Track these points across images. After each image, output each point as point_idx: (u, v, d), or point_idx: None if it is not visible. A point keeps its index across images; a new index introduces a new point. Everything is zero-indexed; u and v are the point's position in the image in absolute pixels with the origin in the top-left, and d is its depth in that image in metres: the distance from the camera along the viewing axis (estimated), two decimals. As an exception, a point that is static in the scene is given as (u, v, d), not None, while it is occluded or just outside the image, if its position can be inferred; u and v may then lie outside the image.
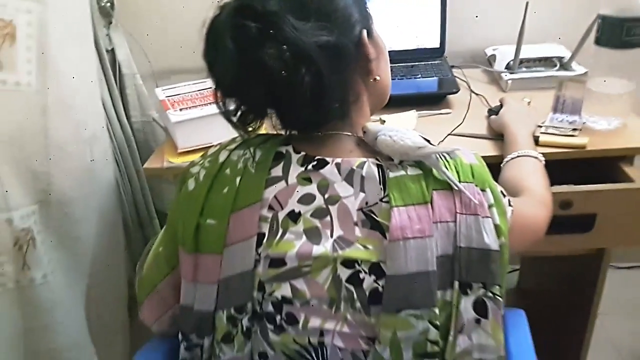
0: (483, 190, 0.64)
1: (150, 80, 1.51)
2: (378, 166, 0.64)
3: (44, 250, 0.98)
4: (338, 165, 0.64)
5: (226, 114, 0.65)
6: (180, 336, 0.72)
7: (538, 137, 1.02)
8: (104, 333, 1.15)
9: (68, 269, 1.05)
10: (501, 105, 1.10)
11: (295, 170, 0.65)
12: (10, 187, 0.90)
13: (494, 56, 1.39)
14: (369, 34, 0.68)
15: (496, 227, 0.63)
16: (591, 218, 0.98)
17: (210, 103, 1.11)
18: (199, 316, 0.68)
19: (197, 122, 1.05)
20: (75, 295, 1.07)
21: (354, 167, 0.64)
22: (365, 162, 0.64)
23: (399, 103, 1.16)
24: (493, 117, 1.09)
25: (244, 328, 0.66)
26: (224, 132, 1.07)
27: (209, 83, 1.30)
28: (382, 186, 0.63)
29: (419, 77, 1.32)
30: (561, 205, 0.96)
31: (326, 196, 0.63)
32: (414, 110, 1.18)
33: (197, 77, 1.37)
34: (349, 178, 0.63)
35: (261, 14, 0.57)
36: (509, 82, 1.28)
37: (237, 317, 0.66)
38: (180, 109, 1.08)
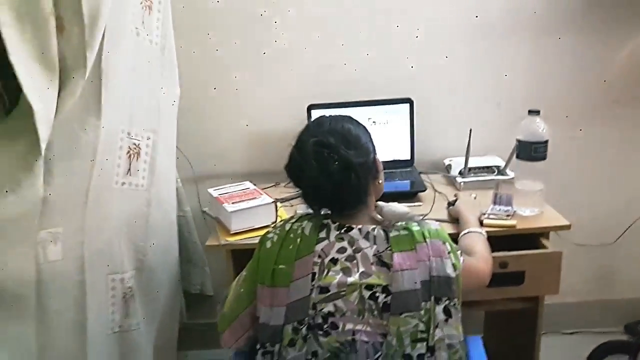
0: (444, 243, 1.08)
1: (191, 183, 1.94)
2: (383, 230, 1.08)
3: (138, 304, 1.35)
4: (360, 230, 1.08)
5: (306, 202, 1.09)
6: (258, 346, 1.10)
7: (482, 220, 1.49)
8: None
9: (147, 321, 1.41)
10: (456, 199, 1.57)
11: (334, 233, 1.09)
12: (124, 256, 1.30)
13: (450, 165, 1.90)
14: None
15: (453, 264, 1.06)
16: (522, 274, 1.43)
17: (252, 198, 1.55)
18: (273, 329, 1.07)
19: (246, 211, 1.48)
20: (149, 342, 1.42)
21: (369, 231, 1.08)
22: (375, 227, 1.09)
23: (385, 198, 1.62)
24: (451, 207, 1.56)
25: (303, 335, 1.05)
26: (262, 219, 1.50)
27: (247, 184, 1.74)
28: (386, 241, 1.06)
29: (397, 180, 1.80)
30: (500, 265, 1.40)
31: (353, 248, 1.07)
32: (397, 202, 1.64)
33: (226, 181, 1.81)
34: (367, 237, 1.07)
35: (328, 145, 1.03)
36: (462, 184, 1.78)
37: (298, 327, 1.06)
38: (232, 203, 1.52)
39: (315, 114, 1.79)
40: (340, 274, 1.05)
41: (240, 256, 1.44)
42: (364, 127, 1.16)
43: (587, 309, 2.18)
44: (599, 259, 2.11)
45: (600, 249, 2.06)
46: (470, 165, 1.80)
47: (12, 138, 1.04)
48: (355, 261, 1.06)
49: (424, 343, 1.02)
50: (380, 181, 1.17)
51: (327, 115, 1.15)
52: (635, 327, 2.15)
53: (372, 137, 1.15)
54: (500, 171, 1.82)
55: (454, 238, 1.32)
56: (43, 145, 1.02)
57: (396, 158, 1.89)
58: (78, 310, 1.22)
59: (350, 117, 1.15)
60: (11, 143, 1.03)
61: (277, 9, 1.80)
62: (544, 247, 1.47)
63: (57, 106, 1.05)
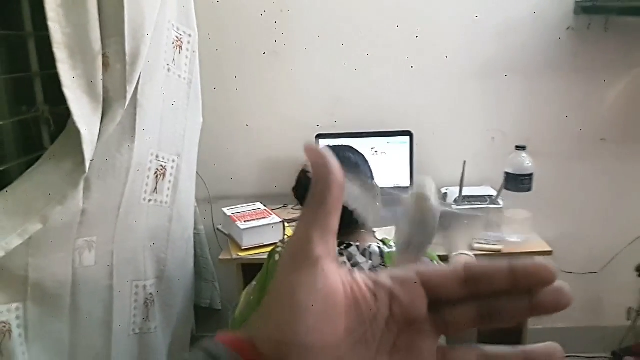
0: (432, 261, 1.23)
1: (205, 203, 2.10)
2: (378, 247, 1.23)
3: (156, 309, 1.49)
4: (358, 247, 1.23)
5: None
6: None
7: (472, 245, 1.63)
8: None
9: (163, 326, 1.55)
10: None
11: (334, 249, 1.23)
12: (147, 265, 1.45)
13: (446, 194, 2.04)
14: None
15: (440, 280, 1.20)
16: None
17: (262, 218, 1.70)
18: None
19: (257, 229, 1.64)
20: (164, 346, 1.56)
21: (366, 247, 1.22)
22: (371, 245, 1.23)
23: (384, 222, 1.77)
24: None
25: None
26: (270, 236, 1.65)
27: (258, 205, 1.89)
28: (381, 257, 1.21)
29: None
30: (486, 285, 1.54)
31: (351, 262, 1.21)
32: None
33: (238, 201, 1.96)
34: (363, 253, 1.22)
35: None
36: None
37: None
38: (245, 221, 1.67)
39: (323, 142, 1.96)
40: (339, 286, 1.19)
41: (249, 270, 1.58)
42: (363, 156, 1.31)
43: (575, 335, 2.28)
44: (586, 286, 2.22)
45: (588, 276, 2.18)
46: (464, 194, 1.94)
47: (61, 158, 1.21)
48: (352, 275, 1.20)
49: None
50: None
51: (330, 145, 1.31)
52: (622, 353, 2.25)
53: (370, 165, 1.31)
54: (492, 200, 1.96)
55: (445, 260, 1.46)
56: (87, 165, 1.18)
57: (396, 185, 2.04)
58: (106, 312, 1.36)
59: (350, 147, 1.31)
60: (61, 162, 1.20)
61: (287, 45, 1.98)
62: (528, 271, 1.61)
63: (99, 131, 1.22)
